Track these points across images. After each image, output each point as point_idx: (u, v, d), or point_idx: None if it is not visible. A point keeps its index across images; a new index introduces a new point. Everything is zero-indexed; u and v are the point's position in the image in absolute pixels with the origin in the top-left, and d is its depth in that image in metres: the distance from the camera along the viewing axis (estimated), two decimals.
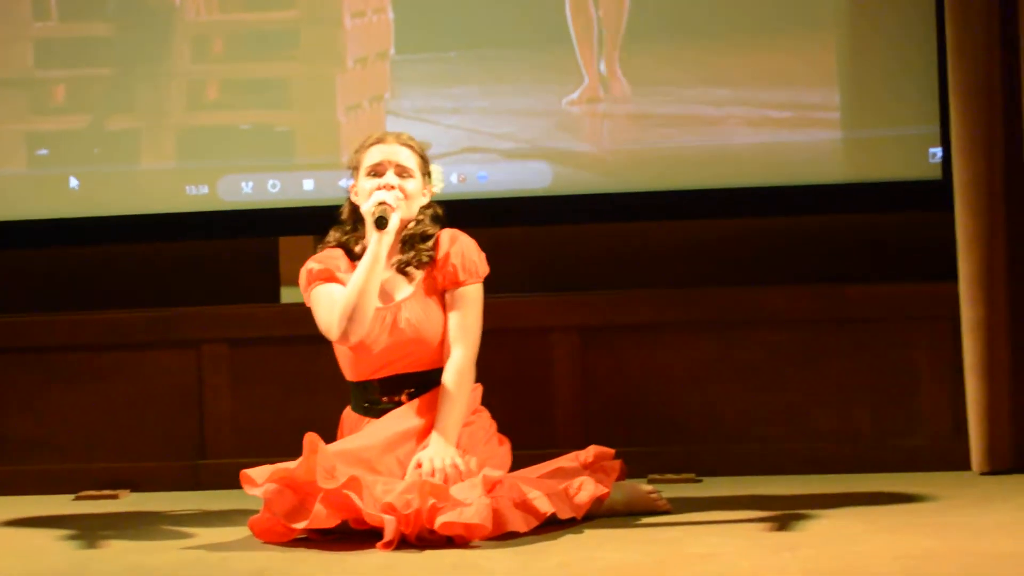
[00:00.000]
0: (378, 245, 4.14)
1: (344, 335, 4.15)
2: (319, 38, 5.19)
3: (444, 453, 4.04)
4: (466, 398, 4.19)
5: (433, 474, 3.96)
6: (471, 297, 4.26)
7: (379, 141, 4.30)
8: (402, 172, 4.25)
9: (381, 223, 4.12)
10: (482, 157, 5.13)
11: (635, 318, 4.95)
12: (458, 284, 4.25)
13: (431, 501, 3.78)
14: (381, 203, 4.15)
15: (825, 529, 3.84)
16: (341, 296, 4.16)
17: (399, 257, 4.27)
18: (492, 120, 5.13)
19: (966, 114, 4.69)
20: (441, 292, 4.27)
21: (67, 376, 5.11)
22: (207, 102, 5.24)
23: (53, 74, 5.27)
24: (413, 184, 4.26)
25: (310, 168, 5.19)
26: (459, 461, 4.02)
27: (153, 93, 5.23)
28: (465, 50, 5.13)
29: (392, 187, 4.21)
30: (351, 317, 4.13)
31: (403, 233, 4.28)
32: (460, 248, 4.26)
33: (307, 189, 5.20)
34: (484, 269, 4.29)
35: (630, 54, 5.08)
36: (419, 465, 4.01)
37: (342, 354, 4.29)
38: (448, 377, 4.18)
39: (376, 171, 4.25)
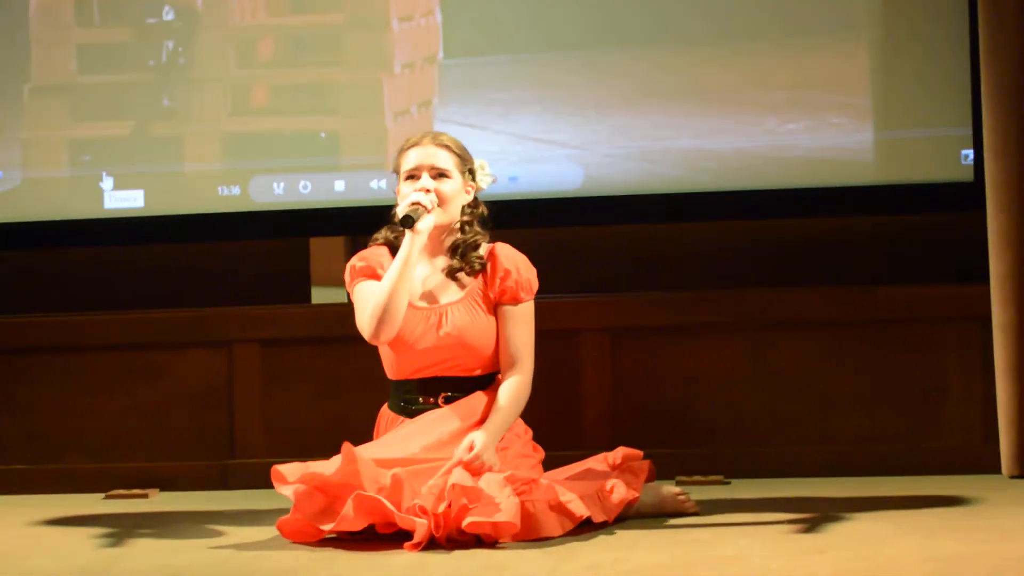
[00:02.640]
0: (410, 246, 4.14)
1: (374, 334, 4.16)
2: (366, 42, 5.20)
3: (491, 451, 4.04)
4: (516, 414, 4.19)
5: (478, 459, 3.96)
6: (528, 314, 4.27)
7: (415, 145, 4.29)
8: (439, 175, 4.25)
9: (406, 221, 4.11)
10: (517, 157, 5.13)
11: (665, 320, 4.95)
12: (517, 301, 4.25)
13: (462, 501, 3.78)
14: (414, 204, 4.15)
15: (854, 532, 3.83)
16: (373, 296, 4.17)
17: (450, 263, 4.26)
18: (524, 122, 5.13)
19: (998, 116, 4.67)
20: (494, 304, 4.26)
21: (98, 376, 5.14)
22: (250, 107, 5.25)
23: (93, 79, 5.29)
24: (450, 185, 4.26)
25: (347, 169, 5.20)
26: (486, 459, 4.02)
27: (192, 97, 5.25)
28: (513, 53, 5.13)
29: (428, 191, 4.21)
30: (381, 317, 4.13)
31: (451, 238, 4.27)
32: (515, 264, 4.26)
33: (338, 190, 5.21)
34: (536, 283, 4.29)
35: (664, 55, 5.08)
36: (471, 447, 4.00)
37: (385, 351, 4.29)
38: (507, 388, 4.18)
39: (413, 175, 4.25)
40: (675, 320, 4.94)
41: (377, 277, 4.22)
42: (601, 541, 3.82)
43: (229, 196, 5.25)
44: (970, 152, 4.93)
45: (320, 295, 5.24)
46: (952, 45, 4.93)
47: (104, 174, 5.27)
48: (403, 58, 5.18)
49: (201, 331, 5.11)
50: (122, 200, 5.28)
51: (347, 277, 4.29)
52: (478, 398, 4.20)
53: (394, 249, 4.25)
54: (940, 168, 4.97)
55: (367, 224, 4.38)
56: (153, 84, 5.27)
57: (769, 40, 5.04)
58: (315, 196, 5.22)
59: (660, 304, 4.97)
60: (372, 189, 5.13)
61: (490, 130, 5.13)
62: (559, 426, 4.77)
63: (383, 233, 4.33)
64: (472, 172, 4.32)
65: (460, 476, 3.86)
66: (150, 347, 5.13)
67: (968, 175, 4.94)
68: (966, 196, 4.90)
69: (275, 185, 5.24)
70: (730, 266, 5.19)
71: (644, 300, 4.99)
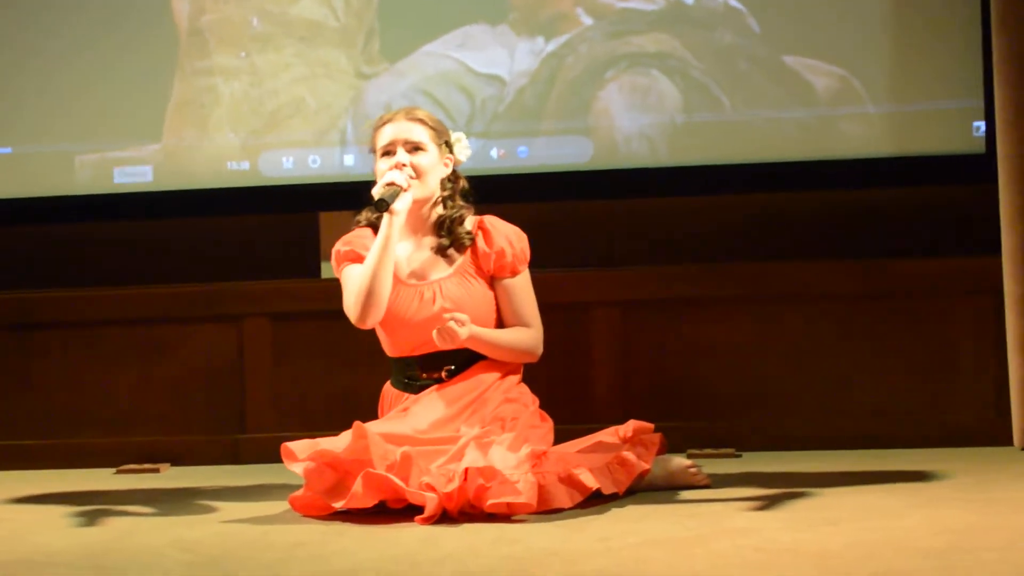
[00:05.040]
0: (388, 227, 4.13)
1: (360, 318, 4.16)
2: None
3: (466, 333, 4.10)
4: (510, 345, 4.23)
5: (453, 321, 4.07)
6: (525, 283, 4.29)
7: (389, 120, 4.28)
8: (414, 148, 4.24)
9: (381, 205, 4.10)
10: (524, 130, 5.12)
11: (676, 293, 4.94)
12: (515, 273, 4.25)
13: (479, 481, 3.77)
14: (389, 184, 4.14)
15: (866, 504, 3.82)
16: (357, 280, 4.16)
17: (439, 241, 4.26)
18: (534, 92, 5.11)
19: (1010, 87, 4.65)
20: (489, 277, 4.26)
21: (109, 351, 5.14)
22: (260, 81, 5.24)
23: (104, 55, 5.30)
24: (427, 158, 4.25)
25: (356, 143, 5.19)
26: (460, 332, 4.08)
27: (202, 71, 5.24)
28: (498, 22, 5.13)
29: (403, 165, 4.20)
30: (365, 301, 4.14)
31: (434, 214, 4.27)
32: (505, 235, 4.26)
33: (347, 165, 5.21)
34: (528, 251, 4.29)
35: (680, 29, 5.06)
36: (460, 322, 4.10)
37: (381, 331, 4.29)
38: (516, 331, 4.25)
39: (388, 151, 4.25)
40: (686, 293, 4.93)
41: (361, 260, 4.22)
42: (612, 513, 3.82)
43: (239, 171, 5.24)
44: (982, 124, 4.92)
45: (329, 270, 5.21)
46: (963, 16, 4.91)
47: (113, 149, 5.28)
48: None
49: (211, 306, 5.11)
50: (131, 175, 5.27)
51: (333, 263, 4.30)
52: (486, 373, 4.20)
53: (377, 230, 4.24)
54: (952, 140, 4.95)
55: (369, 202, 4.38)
56: (164, 59, 5.26)
57: (779, 11, 5.01)
58: (324, 170, 5.22)
59: (671, 277, 4.96)
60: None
61: (483, 98, 5.13)
62: (570, 399, 4.77)
63: (364, 214, 4.33)
64: (449, 145, 4.31)
65: (473, 458, 3.85)
66: (161, 322, 5.13)
67: (980, 147, 4.92)
68: (978, 168, 4.89)
69: (284, 160, 5.23)
70: (742, 239, 5.17)
71: (655, 273, 4.98)
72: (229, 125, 5.24)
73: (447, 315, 4.11)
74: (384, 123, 4.29)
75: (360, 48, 5.21)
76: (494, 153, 5.09)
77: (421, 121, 4.27)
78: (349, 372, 4.96)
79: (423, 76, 5.17)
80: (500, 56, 5.14)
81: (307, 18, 5.22)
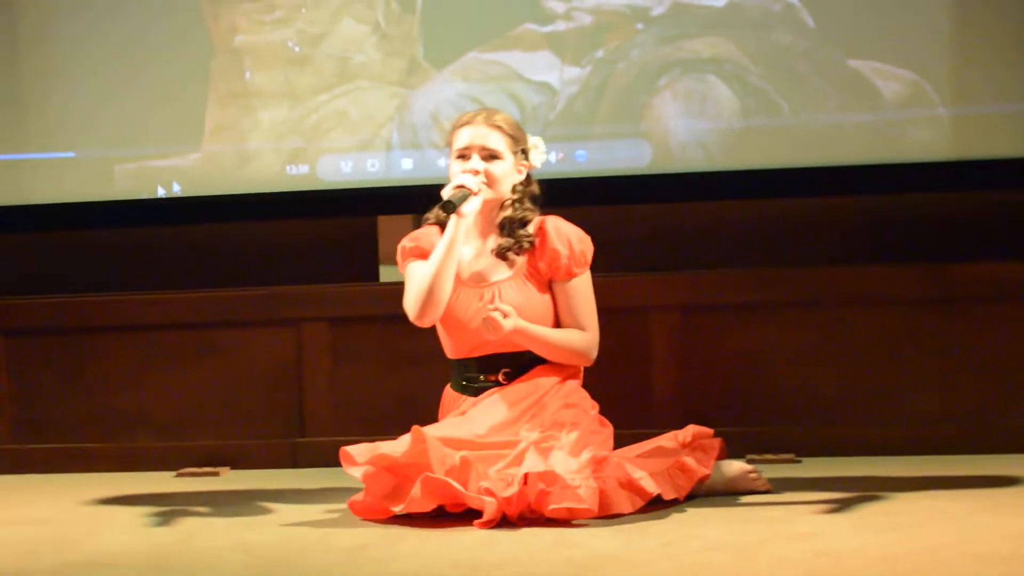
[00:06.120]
0: (454, 229, 4.13)
1: (418, 316, 4.17)
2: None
3: (511, 324, 4.09)
4: (561, 345, 4.21)
5: (499, 312, 4.07)
6: (584, 286, 4.26)
7: (468, 122, 4.26)
8: (489, 156, 4.23)
9: (448, 207, 4.10)
10: (581, 134, 5.11)
11: (735, 297, 4.92)
12: (571, 276, 4.23)
13: (540, 486, 3.76)
14: (458, 187, 4.13)
15: (930, 508, 3.79)
16: (419, 278, 4.16)
17: (499, 243, 4.25)
18: (585, 100, 5.10)
19: None
20: (546, 280, 4.25)
21: (169, 354, 5.16)
22: (319, 85, 5.25)
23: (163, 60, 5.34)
24: (501, 167, 4.23)
25: (410, 147, 5.19)
26: (505, 323, 4.07)
27: (260, 75, 5.26)
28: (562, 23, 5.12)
29: (477, 172, 4.19)
30: (424, 300, 4.14)
31: (500, 216, 4.26)
32: (566, 237, 4.24)
33: (405, 169, 5.21)
34: (590, 253, 4.27)
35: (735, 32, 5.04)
36: (504, 314, 4.09)
37: (441, 332, 4.29)
38: (567, 331, 4.23)
39: (463, 154, 4.24)
40: (746, 298, 4.91)
41: (426, 257, 4.22)
42: (673, 518, 3.81)
43: (297, 175, 5.26)
44: None
45: (388, 273, 5.24)
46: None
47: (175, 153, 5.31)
48: None
49: (270, 309, 5.12)
50: (189, 180, 5.30)
51: (398, 258, 4.30)
52: (545, 377, 4.19)
53: (444, 228, 4.24)
54: (1016, 143, 4.90)
55: (434, 202, 4.36)
56: (223, 64, 5.28)
57: (846, 13, 4.98)
58: (382, 175, 5.22)
59: (731, 282, 4.93)
60: (439, 167, 5.11)
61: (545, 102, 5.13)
62: (629, 404, 4.75)
63: (435, 212, 4.32)
64: (525, 152, 4.29)
65: (533, 462, 3.83)
66: (220, 326, 5.15)
67: None
68: None
69: (343, 164, 5.24)
70: (803, 243, 5.15)
71: (715, 278, 4.96)
72: (288, 129, 5.26)
73: (490, 305, 4.10)
74: (463, 124, 4.27)
75: (406, 56, 5.20)
76: (552, 157, 5.07)
77: (500, 128, 4.24)
78: (407, 376, 4.96)
79: (471, 82, 5.16)
80: (549, 61, 5.12)
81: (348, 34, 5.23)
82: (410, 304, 4.19)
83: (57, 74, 5.33)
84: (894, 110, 4.96)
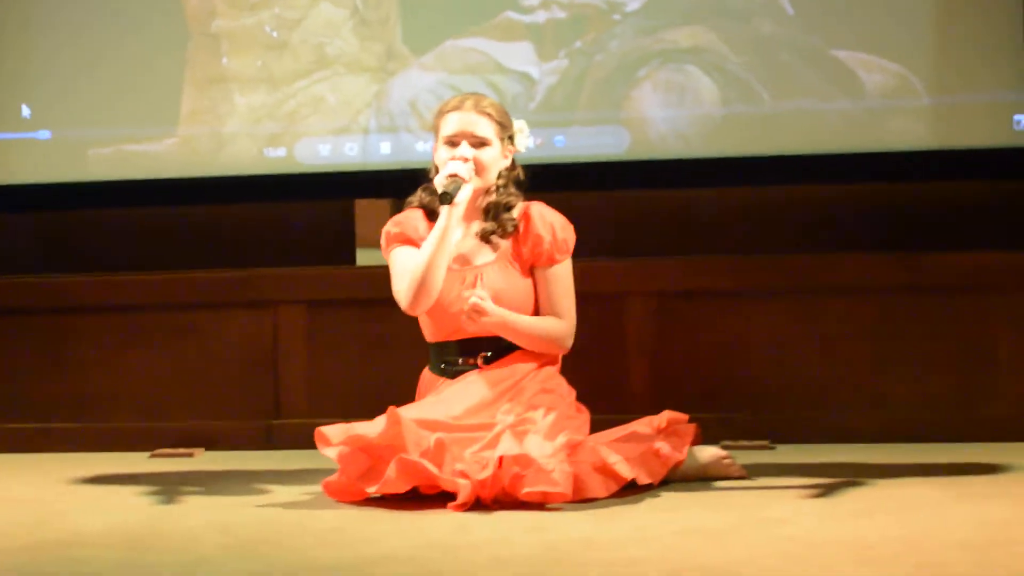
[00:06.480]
0: (448, 218, 4.13)
1: (411, 305, 4.17)
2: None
3: (487, 309, 4.10)
4: (536, 333, 4.20)
5: (476, 298, 4.08)
6: (564, 274, 4.26)
7: (456, 108, 4.25)
8: (478, 143, 4.23)
9: (445, 198, 4.09)
10: (560, 121, 5.11)
11: (711, 284, 4.92)
12: (552, 262, 4.23)
13: (514, 470, 3.76)
14: (452, 176, 4.13)
15: (902, 496, 3.80)
16: (411, 267, 4.15)
17: (483, 226, 4.25)
18: (563, 91, 5.10)
19: None
20: (528, 265, 4.25)
21: (145, 335, 5.15)
22: (296, 68, 5.24)
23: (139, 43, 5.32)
24: (490, 153, 4.23)
25: (387, 131, 5.19)
26: (484, 307, 4.08)
27: (239, 58, 5.25)
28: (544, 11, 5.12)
29: (467, 159, 4.18)
30: (418, 289, 4.13)
31: (485, 201, 4.25)
32: (550, 224, 4.24)
33: (384, 153, 5.20)
34: (572, 241, 4.27)
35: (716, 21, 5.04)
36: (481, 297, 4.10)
37: (422, 315, 4.28)
38: (544, 319, 4.22)
39: (452, 141, 4.22)
40: (722, 285, 4.92)
41: (411, 242, 4.21)
42: (647, 503, 3.82)
43: (275, 158, 5.25)
44: (1022, 117, 4.88)
45: (365, 257, 5.24)
46: (1005, 8, 4.88)
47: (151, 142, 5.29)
48: None
49: (247, 292, 5.11)
50: (166, 161, 5.28)
51: (383, 243, 4.29)
52: (523, 362, 4.19)
53: (429, 212, 4.25)
54: (992, 134, 4.92)
55: (412, 187, 4.36)
56: (202, 46, 5.27)
57: (826, 1, 4.98)
58: (360, 158, 5.21)
59: (707, 269, 4.94)
60: (418, 152, 5.11)
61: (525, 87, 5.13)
62: (605, 390, 4.75)
63: (418, 196, 4.32)
64: (511, 138, 4.29)
65: (508, 446, 3.84)
66: (196, 307, 5.13)
67: (1020, 140, 4.89)
68: (1017, 162, 4.85)
69: (321, 147, 5.23)
70: (778, 231, 5.15)
71: (691, 265, 4.96)
72: (266, 111, 5.25)
73: (466, 292, 4.10)
74: (451, 109, 4.25)
75: (383, 42, 5.19)
76: (532, 142, 5.06)
77: (488, 115, 4.23)
78: (384, 359, 4.96)
79: (449, 70, 5.15)
80: (528, 51, 5.12)
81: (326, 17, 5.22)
82: (402, 293, 4.18)
83: (32, 54, 5.30)
84: (874, 99, 4.97)
